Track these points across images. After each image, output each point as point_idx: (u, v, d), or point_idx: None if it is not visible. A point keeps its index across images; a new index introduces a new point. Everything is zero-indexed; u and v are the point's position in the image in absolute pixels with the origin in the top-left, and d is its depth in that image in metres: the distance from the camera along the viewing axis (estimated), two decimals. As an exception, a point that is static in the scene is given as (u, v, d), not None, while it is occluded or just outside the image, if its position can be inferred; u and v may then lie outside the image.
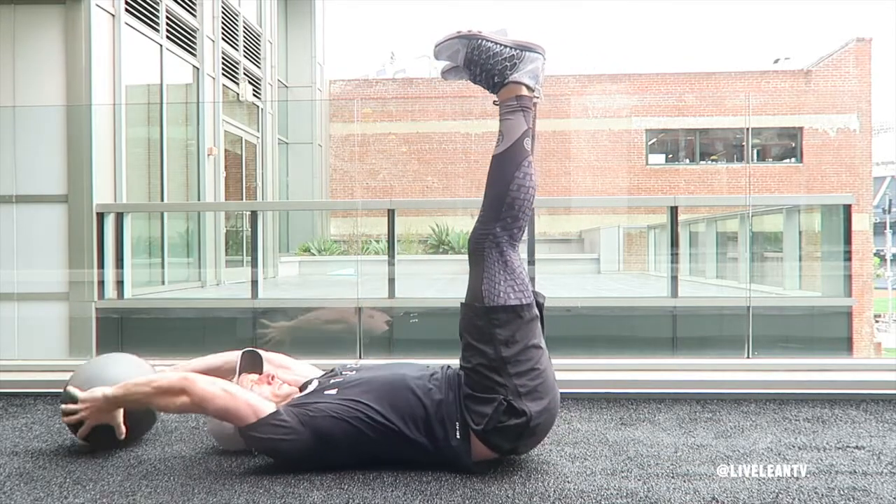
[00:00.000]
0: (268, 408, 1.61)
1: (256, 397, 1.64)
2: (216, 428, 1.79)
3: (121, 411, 1.76)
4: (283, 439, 1.58)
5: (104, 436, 1.78)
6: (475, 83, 1.69)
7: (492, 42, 1.63)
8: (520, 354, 1.57)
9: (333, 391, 1.66)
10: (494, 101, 1.67)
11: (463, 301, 1.65)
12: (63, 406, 1.77)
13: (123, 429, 1.78)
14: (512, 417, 1.54)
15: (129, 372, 1.82)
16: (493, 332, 1.57)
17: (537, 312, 1.63)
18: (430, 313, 4.16)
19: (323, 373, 1.88)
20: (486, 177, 1.64)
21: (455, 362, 1.75)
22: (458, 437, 1.58)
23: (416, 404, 1.60)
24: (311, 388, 1.74)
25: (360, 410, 1.59)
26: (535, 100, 1.65)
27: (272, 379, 1.81)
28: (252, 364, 1.89)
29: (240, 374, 1.85)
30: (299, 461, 1.63)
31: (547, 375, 1.60)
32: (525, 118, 1.62)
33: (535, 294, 1.64)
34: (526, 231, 1.75)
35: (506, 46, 1.63)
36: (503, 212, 1.60)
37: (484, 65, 1.63)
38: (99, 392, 1.72)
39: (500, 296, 1.58)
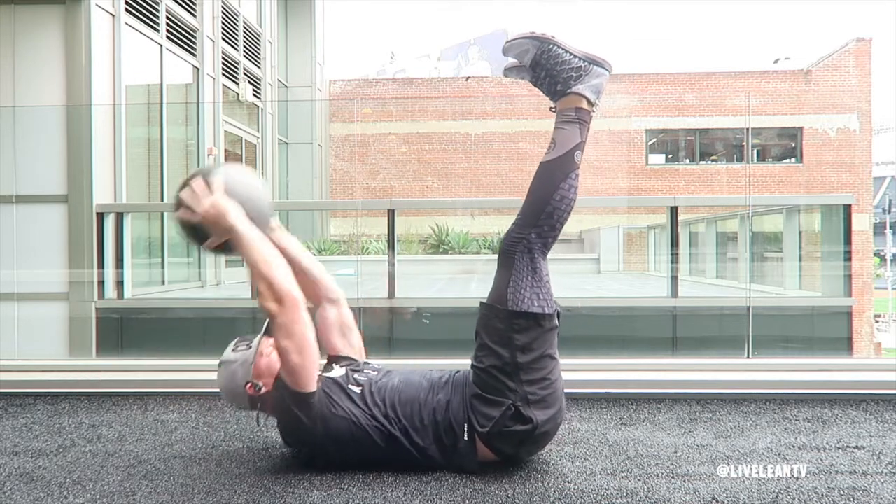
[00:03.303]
0: (313, 385, 1.59)
1: (315, 371, 1.60)
2: (226, 380, 1.69)
3: (224, 238, 1.62)
4: (301, 420, 1.57)
5: (196, 234, 1.66)
6: (536, 86, 1.68)
7: (563, 49, 1.63)
8: (534, 363, 1.57)
9: (358, 389, 1.65)
10: (551, 108, 1.67)
11: (483, 301, 1.64)
12: (185, 192, 1.62)
13: (216, 245, 1.64)
14: (518, 424, 1.55)
15: (261, 209, 1.68)
16: (511, 336, 1.57)
17: (557, 323, 1.63)
18: (431, 313, 4.15)
19: (351, 361, 1.82)
20: (531, 181, 1.63)
21: (456, 363, 1.75)
22: (465, 438, 1.59)
23: (429, 413, 1.61)
24: (335, 373, 1.70)
25: (378, 420, 1.60)
26: (591, 114, 1.65)
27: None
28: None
29: (265, 332, 1.73)
30: (297, 445, 1.64)
31: (557, 386, 1.61)
32: (580, 131, 1.62)
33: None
34: None
35: (575, 56, 1.63)
36: (541, 219, 1.60)
37: (550, 70, 1.63)
38: (232, 215, 1.59)
39: (525, 301, 1.57)
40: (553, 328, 1.61)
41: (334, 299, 1.88)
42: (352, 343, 1.88)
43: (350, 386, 1.66)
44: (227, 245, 1.65)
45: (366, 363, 1.82)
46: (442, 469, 1.61)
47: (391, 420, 1.60)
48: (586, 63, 1.63)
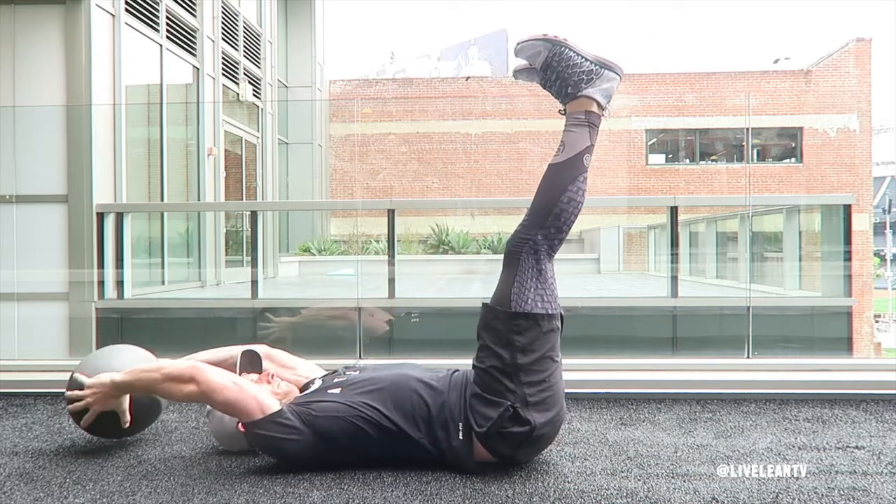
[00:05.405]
0: (274, 405, 1.61)
1: (264, 393, 1.64)
2: (217, 427, 1.79)
3: (127, 398, 1.75)
4: (286, 438, 1.58)
5: (108, 425, 1.77)
6: (545, 88, 1.69)
7: (575, 52, 1.63)
8: (534, 364, 1.57)
9: (337, 390, 1.67)
10: (560, 111, 1.68)
11: (486, 302, 1.65)
12: (69, 392, 1.76)
13: (128, 416, 1.76)
14: (516, 425, 1.55)
15: (134, 362, 1.82)
16: (511, 337, 1.57)
17: (559, 324, 1.63)
18: (431, 313, 4.15)
19: (326, 373, 1.88)
20: (539, 182, 1.64)
21: (456, 363, 1.76)
22: (460, 437, 1.59)
23: (419, 404, 1.61)
24: (313, 387, 1.75)
25: (362, 410, 1.60)
26: (601, 117, 1.65)
27: (272, 378, 1.81)
28: (251, 364, 1.89)
29: (240, 372, 1.84)
30: (301, 461, 1.63)
31: (557, 388, 1.61)
32: (590, 134, 1.63)
33: None
34: None
35: (587, 60, 1.63)
36: (549, 221, 1.61)
37: (561, 73, 1.63)
38: (107, 377, 1.72)
39: (528, 303, 1.58)
40: (553, 330, 1.61)
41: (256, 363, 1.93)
42: (305, 373, 1.93)
43: (329, 390, 1.68)
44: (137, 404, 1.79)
45: (349, 367, 1.84)
46: (438, 464, 1.61)
47: (378, 409, 1.60)
48: (598, 67, 1.63)
